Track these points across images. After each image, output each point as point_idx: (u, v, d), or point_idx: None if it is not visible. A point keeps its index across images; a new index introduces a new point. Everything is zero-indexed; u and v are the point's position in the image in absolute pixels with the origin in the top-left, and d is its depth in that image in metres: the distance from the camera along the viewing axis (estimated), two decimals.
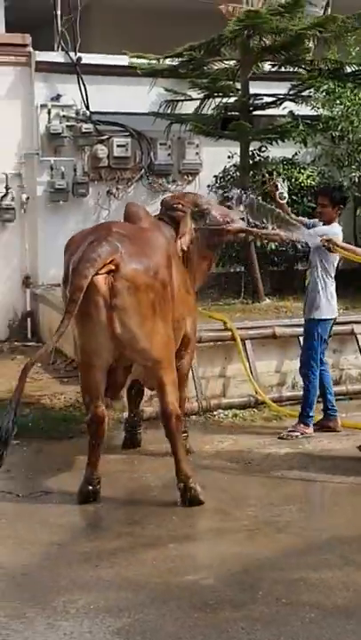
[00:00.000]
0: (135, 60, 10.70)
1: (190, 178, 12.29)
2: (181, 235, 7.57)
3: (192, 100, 10.91)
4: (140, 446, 8.05)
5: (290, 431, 8.38)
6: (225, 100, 10.83)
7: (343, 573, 5.39)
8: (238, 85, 10.62)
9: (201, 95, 10.91)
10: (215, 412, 9.16)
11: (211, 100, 10.84)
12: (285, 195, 8.61)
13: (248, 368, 9.29)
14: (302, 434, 8.34)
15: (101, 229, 6.85)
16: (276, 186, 8.62)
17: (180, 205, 7.82)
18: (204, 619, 4.89)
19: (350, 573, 5.40)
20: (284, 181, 9.28)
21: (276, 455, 7.82)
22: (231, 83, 10.39)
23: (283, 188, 8.62)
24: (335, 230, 8.30)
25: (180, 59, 10.57)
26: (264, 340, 9.62)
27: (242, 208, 8.15)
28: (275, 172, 11.36)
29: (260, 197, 8.60)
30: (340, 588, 5.18)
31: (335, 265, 8.40)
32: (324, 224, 8.35)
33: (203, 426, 8.85)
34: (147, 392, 8.63)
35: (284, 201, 8.56)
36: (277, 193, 8.56)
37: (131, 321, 6.50)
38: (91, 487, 6.69)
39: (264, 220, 8.15)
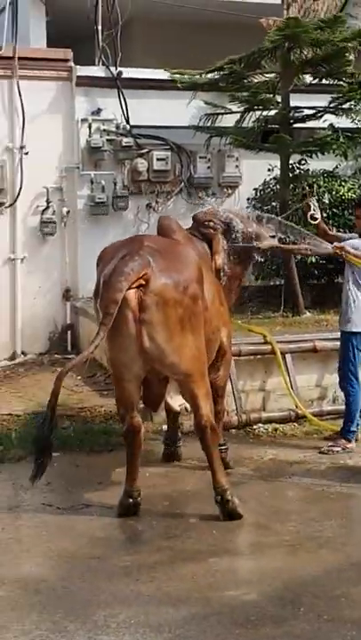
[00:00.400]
0: (176, 75, 10.73)
1: (230, 191, 12.28)
2: (215, 253, 7.69)
3: (232, 113, 10.92)
4: (180, 460, 8.03)
5: (331, 446, 8.33)
6: (265, 112, 10.81)
7: None
8: (279, 98, 10.60)
9: (241, 108, 10.91)
10: (255, 426, 9.13)
11: (251, 112, 10.82)
12: (317, 216, 8.65)
13: (288, 382, 9.25)
14: (343, 449, 8.28)
15: (133, 243, 6.88)
16: (310, 206, 8.64)
17: (212, 223, 7.89)
18: (245, 635, 4.85)
19: None
20: (318, 201, 9.32)
21: (317, 470, 7.78)
22: (272, 96, 10.38)
23: (315, 210, 8.62)
24: None
25: (220, 72, 10.57)
26: (304, 353, 9.57)
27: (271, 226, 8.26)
28: (315, 185, 11.36)
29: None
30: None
31: None
32: (360, 236, 8.40)
33: (242, 440, 8.82)
34: (186, 405, 8.66)
35: (316, 222, 8.59)
36: (309, 214, 8.60)
37: (159, 335, 6.51)
38: (131, 500, 6.69)
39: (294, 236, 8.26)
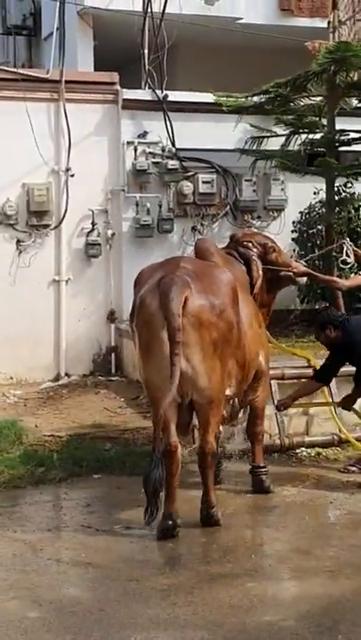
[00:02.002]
0: (221, 98, 10.75)
1: (275, 214, 12.25)
2: (256, 279, 7.81)
3: (277, 136, 10.91)
4: (220, 483, 7.97)
5: (350, 465, 8.44)
6: (311, 136, 10.78)
7: None
8: (324, 121, 10.56)
9: (286, 131, 10.89)
10: (298, 450, 9.05)
11: (296, 136, 10.81)
12: (350, 260, 8.61)
13: (332, 406, 9.17)
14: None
15: (170, 265, 6.95)
16: (342, 248, 8.66)
17: (251, 244, 7.96)
18: None
19: None
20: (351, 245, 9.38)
21: (358, 495, 7.66)
22: (317, 119, 10.35)
23: (348, 253, 8.61)
24: None
25: (265, 95, 10.57)
26: (348, 377, 9.45)
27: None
28: None
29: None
30: None
31: None
32: None
33: (285, 463, 8.76)
34: (228, 429, 8.62)
35: (348, 266, 8.59)
36: (340, 260, 8.63)
37: (195, 357, 6.55)
38: (170, 522, 6.64)
39: None
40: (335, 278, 8.84)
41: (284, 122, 10.47)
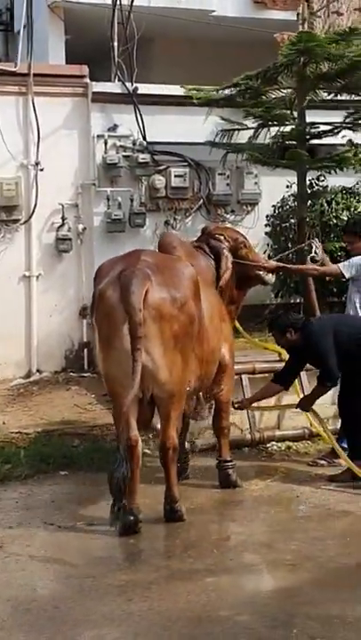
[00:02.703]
0: (191, 91, 10.63)
1: (249, 208, 12.14)
2: (223, 270, 7.72)
3: (248, 129, 10.77)
4: (187, 478, 7.89)
5: (318, 458, 8.45)
6: (282, 128, 10.68)
7: None
8: (296, 114, 10.46)
9: (255, 124, 10.76)
10: (268, 444, 9.00)
11: (268, 129, 10.70)
12: (318, 257, 8.60)
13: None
14: (329, 462, 8.33)
15: (130, 257, 6.86)
16: (311, 247, 8.65)
17: (222, 237, 7.91)
18: None
19: None
20: (336, 218, 9.32)
21: (325, 488, 7.60)
22: (287, 111, 10.24)
23: (317, 249, 8.60)
24: None
25: (236, 88, 10.46)
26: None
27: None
28: (333, 202, 11.22)
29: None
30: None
31: None
32: None
33: (255, 458, 8.73)
34: (200, 424, 8.55)
35: (317, 264, 8.58)
36: (309, 257, 8.61)
37: (155, 350, 6.47)
38: (131, 517, 6.54)
39: None
40: (307, 266, 8.77)
41: (253, 114, 10.34)
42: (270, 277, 8.60)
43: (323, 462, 8.29)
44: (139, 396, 6.57)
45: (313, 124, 10.31)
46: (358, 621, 5.05)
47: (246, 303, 10.18)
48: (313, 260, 8.80)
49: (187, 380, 6.83)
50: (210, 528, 6.78)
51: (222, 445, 7.78)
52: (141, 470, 6.70)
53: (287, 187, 11.25)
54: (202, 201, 11.85)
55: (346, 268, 8.44)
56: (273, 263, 8.75)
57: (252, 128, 10.65)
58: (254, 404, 8.57)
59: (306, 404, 8.13)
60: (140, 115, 11.31)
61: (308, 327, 7.93)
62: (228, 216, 12.02)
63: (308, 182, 10.88)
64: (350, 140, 10.85)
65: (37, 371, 11.36)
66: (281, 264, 8.87)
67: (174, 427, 6.78)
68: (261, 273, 8.30)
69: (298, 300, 11.62)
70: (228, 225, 11.09)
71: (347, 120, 10.44)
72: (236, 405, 8.24)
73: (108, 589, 5.63)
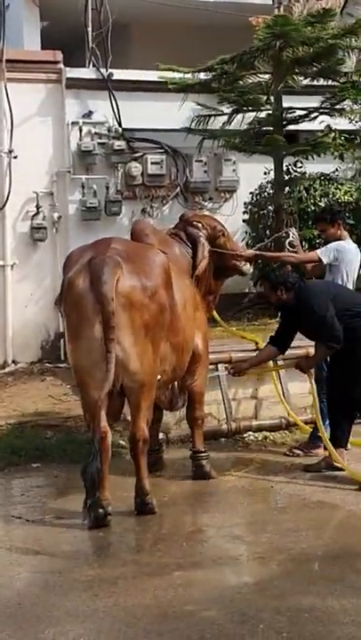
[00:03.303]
0: (166, 75, 10.44)
1: (228, 195, 12.02)
2: (200, 260, 7.57)
3: (224, 114, 10.63)
4: (161, 469, 7.75)
5: (295, 448, 8.30)
6: (260, 114, 10.52)
7: (352, 606, 5.00)
8: (273, 99, 10.31)
9: (230, 110, 10.60)
10: (245, 434, 8.86)
11: (244, 114, 10.55)
12: (295, 243, 8.43)
13: (280, 390, 8.99)
14: (305, 452, 8.18)
15: (100, 245, 6.72)
16: (288, 234, 8.49)
17: (200, 225, 7.75)
18: None
19: (359, 606, 5.01)
20: (314, 205, 9.18)
21: (300, 479, 7.46)
22: (261, 96, 10.09)
23: (294, 237, 8.45)
24: (346, 245, 8.18)
25: (212, 73, 10.30)
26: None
27: None
28: (312, 188, 11.09)
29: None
30: (346, 622, 4.80)
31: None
32: None
33: (231, 448, 8.59)
34: (175, 414, 8.41)
35: (295, 249, 8.42)
36: (287, 241, 8.43)
37: (125, 340, 6.32)
38: (101, 510, 6.37)
39: None
40: (285, 253, 8.60)
41: (227, 99, 10.18)
42: (248, 267, 8.45)
43: (299, 452, 8.17)
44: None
45: (290, 109, 10.16)
46: (328, 615, 4.90)
47: (226, 292, 10.07)
48: (291, 246, 8.64)
49: (158, 370, 6.67)
50: (181, 520, 6.63)
51: (196, 436, 7.64)
52: (116, 462, 6.57)
53: (265, 173, 11.10)
54: (179, 188, 11.73)
55: (324, 253, 8.28)
56: (250, 252, 8.62)
57: (228, 114, 10.47)
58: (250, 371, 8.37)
59: (306, 365, 7.82)
60: (116, 101, 11.16)
61: (304, 289, 7.56)
62: (205, 204, 11.89)
63: (285, 169, 10.75)
64: (328, 126, 10.71)
65: (13, 361, 11.25)
66: (259, 252, 8.73)
67: (145, 418, 6.62)
68: (239, 263, 8.14)
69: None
70: (207, 213, 10.95)
71: (323, 105, 10.27)
72: (231, 371, 8.07)
73: (73, 585, 5.47)
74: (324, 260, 8.31)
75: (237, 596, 5.22)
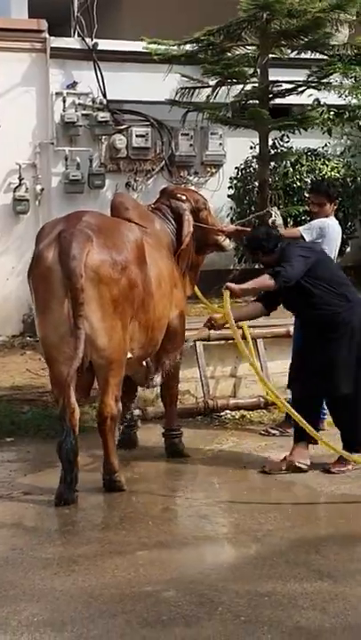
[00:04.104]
0: (151, 46, 10.24)
1: (213, 170, 11.85)
2: (186, 234, 7.44)
3: (209, 87, 10.44)
4: (135, 447, 7.65)
5: (272, 428, 8.16)
6: (246, 87, 10.34)
7: (313, 590, 4.91)
8: (259, 72, 10.13)
9: (225, 82, 10.39)
10: (222, 413, 8.74)
11: (230, 87, 10.36)
12: (278, 222, 8.26)
13: (258, 367, 8.83)
14: (282, 432, 8.01)
15: (72, 219, 6.57)
16: (271, 214, 8.33)
17: (184, 198, 7.60)
18: (150, 636, 4.46)
19: (321, 590, 4.91)
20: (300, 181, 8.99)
21: (273, 458, 7.33)
22: (246, 69, 9.90)
23: (277, 217, 8.28)
24: (329, 222, 7.99)
25: (198, 44, 10.11)
26: (278, 339, 9.13)
27: None
28: (298, 164, 10.93)
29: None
30: (306, 607, 4.70)
31: None
32: None
33: (207, 426, 8.44)
34: (153, 391, 8.30)
35: (279, 228, 8.21)
36: (270, 220, 8.25)
37: (93, 314, 6.20)
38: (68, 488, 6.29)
39: None
40: None
41: (211, 71, 9.99)
42: (228, 243, 8.23)
43: (275, 432, 8.05)
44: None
45: (276, 82, 9.98)
46: (288, 599, 4.80)
47: (210, 268, 9.95)
48: (273, 224, 8.49)
49: (127, 347, 6.54)
50: (149, 499, 6.50)
51: (169, 414, 7.55)
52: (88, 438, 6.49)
53: (251, 148, 10.94)
54: (164, 162, 11.56)
55: (306, 231, 8.08)
56: (232, 227, 8.46)
57: (213, 86, 10.29)
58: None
59: (235, 288, 7.08)
60: (101, 72, 10.98)
61: (287, 249, 7.03)
62: (191, 178, 11.74)
63: (272, 143, 10.58)
64: (317, 100, 10.54)
65: None
66: (240, 228, 8.57)
67: (113, 395, 6.50)
68: (220, 238, 7.98)
69: (260, 267, 11.35)
70: (192, 187, 10.79)
71: (310, 79, 10.09)
72: (209, 323, 7.31)
73: (33, 562, 5.37)
74: (307, 238, 8.13)
75: (198, 578, 5.12)
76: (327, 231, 7.97)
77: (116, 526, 6.02)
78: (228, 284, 7.11)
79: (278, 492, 6.65)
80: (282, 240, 7.21)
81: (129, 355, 6.62)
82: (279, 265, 6.85)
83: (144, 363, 7.29)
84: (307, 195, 9.98)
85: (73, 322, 6.10)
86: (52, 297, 6.26)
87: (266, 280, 6.89)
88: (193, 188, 11.34)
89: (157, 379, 7.50)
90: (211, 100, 10.23)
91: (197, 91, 10.56)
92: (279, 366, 9.04)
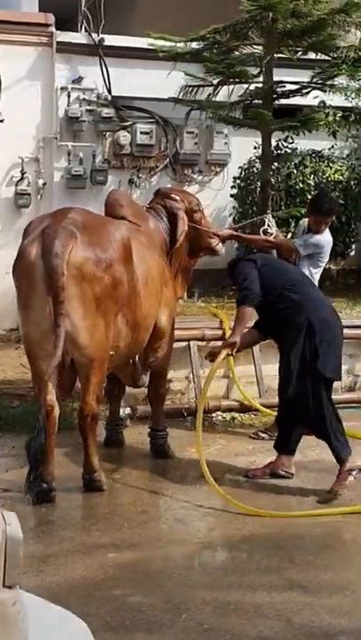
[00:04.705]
0: (156, 42, 10.17)
1: (218, 169, 11.77)
2: (180, 233, 7.42)
3: (211, 85, 10.35)
4: (121, 445, 7.60)
5: (261, 431, 8.06)
6: (250, 87, 10.26)
7: (282, 599, 4.85)
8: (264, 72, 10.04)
9: (216, 81, 10.30)
10: (213, 414, 8.67)
11: (234, 86, 10.28)
12: (271, 231, 8.16)
13: (233, 373, 8.69)
14: (271, 436, 7.78)
15: (58, 215, 6.54)
16: (264, 221, 8.24)
17: (178, 198, 7.57)
18: None
19: (290, 600, 4.85)
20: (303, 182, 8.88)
21: (259, 463, 7.26)
22: (248, 68, 9.81)
23: (270, 225, 8.20)
24: (322, 239, 7.97)
25: (204, 42, 10.03)
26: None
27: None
28: (302, 165, 10.85)
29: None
30: (272, 617, 4.64)
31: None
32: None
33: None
34: (144, 390, 8.23)
35: (271, 237, 8.12)
36: (262, 229, 8.17)
37: (74, 312, 6.17)
38: (45, 485, 6.23)
39: None
40: (262, 237, 8.33)
41: (214, 70, 9.91)
42: (220, 247, 8.16)
43: (264, 435, 7.98)
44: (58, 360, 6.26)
45: (280, 82, 9.90)
46: (255, 608, 4.75)
47: (212, 267, 9.88)
48: (265, 233, 8.42)
49: (109, 346, 6.48)
50: (128, 500, 6.46)
51: (156, 413, 7.50)
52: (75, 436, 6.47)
53: (255, 148, 10.86)
54: (168, 160, 11.48)
55: (302, 247, 8.02)
56: (227, 231, 8.40)
57: (217, 85, 10.20)
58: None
59: (239, 343, 6.84)
60: (106, 67, 10.91)
61: (238, 266, 7.02)
62: (195, 176, 11.67)
63: (276, 144, 10.50)
64: (323, 102, 10.46)
65: None
66: (235, 233, 8.52)
67: (94, 393, 6.46)
68: (213, 241, 7.92)
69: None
70: (196, 186, 10.80)
71: (314, 80, 10.00)
72: (209, 358, 7.11)
73: None
74: (303, 253, 8.05)
75: (168, 583, 5.07)
76: (325, 250, 8.04)
77: (90, 527, 5.98)
78: (223, 349, 6.86)
79: (260, 497, 6.56)
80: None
81: (112, 352, 6.57)
82: (239, 287, 6.79)
83: (131, 362, 7.25)
84: (309, 197, 9.90)
85: (54, 319, 6.06)
86: (34, 293, 6.23)
87: (242, 312, 6.78)
88: (197, 186, 11.39)
89: (145, 378, 7.47)
90: (212, 99, 10.12)
91: (203, 89, 10.46)
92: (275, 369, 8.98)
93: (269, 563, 5.39)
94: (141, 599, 4.85)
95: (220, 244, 8.01)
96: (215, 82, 10.11)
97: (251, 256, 7.33)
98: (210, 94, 10.19)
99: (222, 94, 10.61)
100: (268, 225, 8.24)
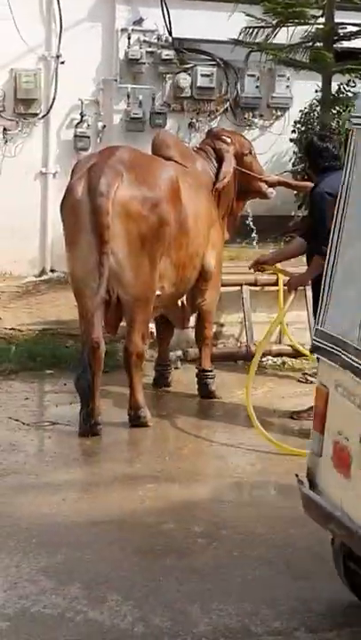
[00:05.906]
0: None
1: (279, 113, 11.62)
2: (224, 174, 7.33)
3: (271, 27, 10.17)
4: (169, 386, 7.68)
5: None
6: (312, 29, 10.09)
7: (309, 531, 4.88)
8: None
9: (287, 22, 10.15)
10: (264, 359, 8.65)
11: (294, 28, 10.13)
12: None
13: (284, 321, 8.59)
14: None
15: (105, 154, 6.58)
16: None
17: (229, 140, 7.52)
18: (140, 564, 4.56)
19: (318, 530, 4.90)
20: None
21: (305, 405, 7.27)
22: (306, 9, 9.65)
23: None
24: None
25: None
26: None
27: None
28: None
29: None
30: (300, 547, 4.73)
31: None
32: None
33: (245, 371, 8.36)
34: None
35: None
36: None
37: (120, 249, 6.20)
38: (92, 419, 6.37)
39: None
40: (308, 183, 8.24)
41: (272, 10, 9.76)
42: (271, 191, 8.07)
43: (312, 379, 7.97)
44: (105, 298, 6.34)
45: (341, 24, 9.73)
46: (283, 540, 4.82)
47: (270, 214, 9.83)
48: None
49: (155, 285, 6.53)
50: (172, 436, 6.59)
51: (203, 355, 7.52)
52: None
53: (316, 91, 10.72)
54: (229, 103, 11.38)
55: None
56: (274, 177, 8.31)
57: (276, 26, 10.03)
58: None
59: (294, 282, 7.11)
60: (167, 9, 10.81)
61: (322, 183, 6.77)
62: (256, 120, 11.53)
63: (336, 88, 10.37)
64: None
65: (51, 270, 11.17)
66: (282, 179, 8.45)
67: (140, 332, 6.53)
68: (263, 185, 7.87)
69: None
70: (257, 130, 10.73)
71: None
72: (252, 269, 7.41)
73: (44, 488, 5.52)
74: None
75: (200, 514, 5.20)
76: None
77: (132, 459, 6.15)
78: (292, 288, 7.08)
79: (301, 437, 6.60)
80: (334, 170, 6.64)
81: (158, 292, 6.63)
82: (316, 234, 6.54)
83: (179, 303, 7.31)
84: None
85: (97, 258, 6.12)
86: (80, 231, 6.30)
87: (319, 262, 6.54)
88: (257, 131, 11.30)
89: (193, 320, 7.53)
90: (270, 41, 9.98)
91: (263, 31, 10.32)
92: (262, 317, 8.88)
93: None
94: (173, 527, 4.98)
95: (271, 188, 7.95)
96: (274, 22, 9.93)
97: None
98: (267, 35, 10.03)
99: (283, 37, 10.48)
100: None
